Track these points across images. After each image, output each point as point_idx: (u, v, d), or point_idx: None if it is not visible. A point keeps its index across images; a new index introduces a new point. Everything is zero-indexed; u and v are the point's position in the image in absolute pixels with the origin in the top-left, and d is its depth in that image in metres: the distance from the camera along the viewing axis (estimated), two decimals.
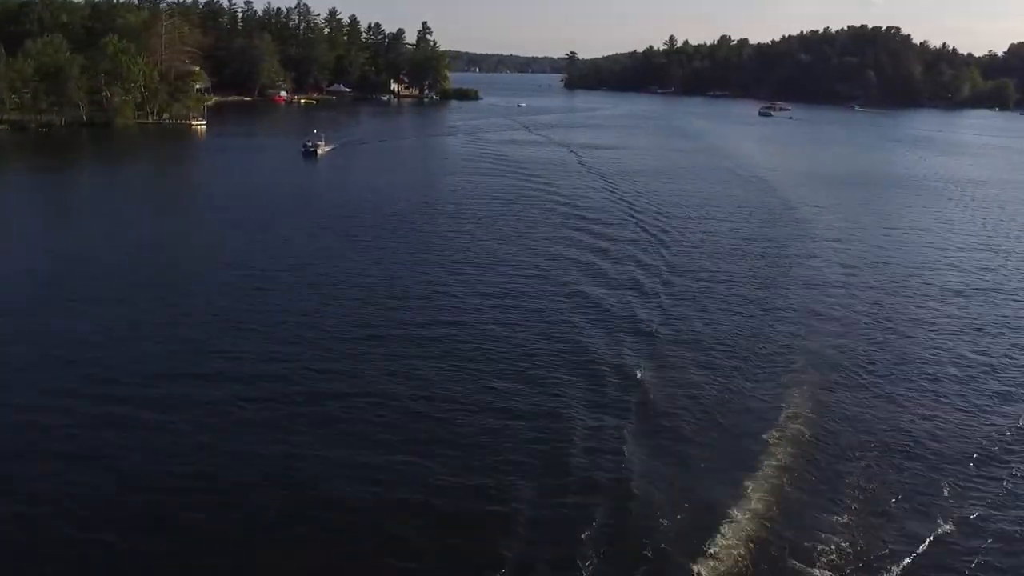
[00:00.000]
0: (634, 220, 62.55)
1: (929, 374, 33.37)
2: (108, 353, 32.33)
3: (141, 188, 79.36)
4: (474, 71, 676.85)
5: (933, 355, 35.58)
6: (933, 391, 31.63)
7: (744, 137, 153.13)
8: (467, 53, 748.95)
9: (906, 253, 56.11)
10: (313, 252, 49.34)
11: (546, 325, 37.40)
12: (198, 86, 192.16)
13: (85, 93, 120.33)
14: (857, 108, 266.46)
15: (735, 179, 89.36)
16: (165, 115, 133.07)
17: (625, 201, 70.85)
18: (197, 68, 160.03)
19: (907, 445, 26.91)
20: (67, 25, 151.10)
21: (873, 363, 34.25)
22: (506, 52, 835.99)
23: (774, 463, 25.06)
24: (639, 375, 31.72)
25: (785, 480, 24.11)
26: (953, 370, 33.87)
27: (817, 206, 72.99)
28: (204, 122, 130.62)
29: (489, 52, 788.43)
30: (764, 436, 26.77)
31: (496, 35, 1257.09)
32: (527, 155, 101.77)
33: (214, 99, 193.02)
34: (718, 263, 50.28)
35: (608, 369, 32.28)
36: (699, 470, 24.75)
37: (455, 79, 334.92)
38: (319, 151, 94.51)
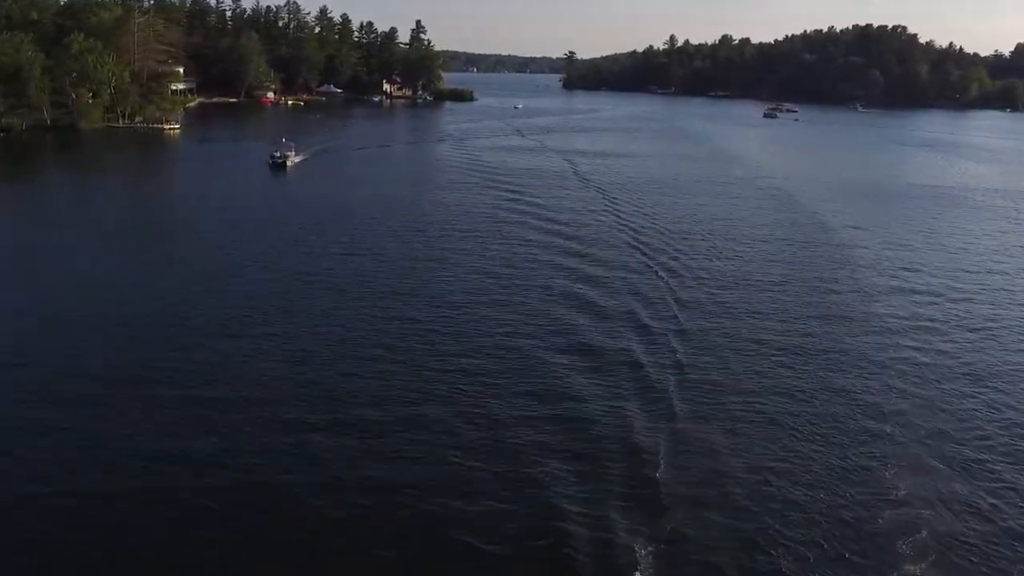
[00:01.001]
0: (638, 249, 52.99)
1: None
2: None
3: (72, 208, 65.87)
4: (472, 71, 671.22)
5: None
6: None
7: (752, 141, 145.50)
8: (465, 53, 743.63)
9: (985, 285, 47.93)
10: (258, 299, 40.73)
11: (539, 396, 29.75)
12: (181, 86, 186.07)
13: (48, 95, 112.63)
14: (859, 108, 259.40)
15: (752, 191, 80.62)
16: (138, 118, 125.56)
17: (627, 224, 61.22)
18: (173, 68, 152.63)
19: None
20: (37, 23, 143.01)
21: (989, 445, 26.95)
22: (504, 52, 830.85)
23: None
24: (658, 471, 24.27)
25: None
26: None
27: (856, 227, 63.88)
28: (177, 126, 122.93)
29: (487, 52, 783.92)
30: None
31: (494, 35, 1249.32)
32: (518, 165, 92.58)
33: (197, 100, 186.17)
34: (747, 303, 42.08)
35: (619, 458, 24.97)
36: None
37: (453, 79, 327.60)
38: (288, 162, 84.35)
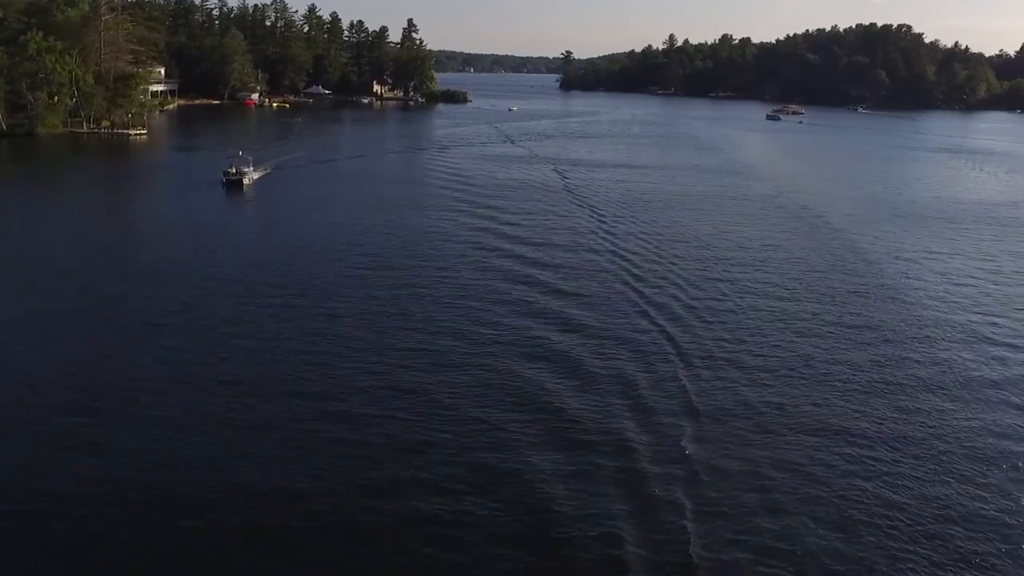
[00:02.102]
0: (641, 300, 41.78)
1: None
2: None
3: None
4: (469, 71, 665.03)
5: None
6: None
7: (763, 147, 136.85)
8: (462, 53, 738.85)
9: None
10: (177, 364, 32.84)
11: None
12: (161, 88, 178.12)
13: (3, 98, 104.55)
14: (860, 110, 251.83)
15: (774, 211, 70.62)
16: (105, 123, 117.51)
17: (626, 261, 50.16)
18: (150, 69, 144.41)
19: None
20: (2, 21, 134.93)
21: None
22: (501, 52, 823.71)
23: None
24: None
25: None
26: None
27: (904, 257, 54.56)
28: (144, 132, 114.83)
29: (484, 52, 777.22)
30: None
31: (491, 35, 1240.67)
32: (505, 179, 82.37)
33: (177, 103, 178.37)
34: (795, 379, 32.45)
35: None
36: None
37: (448, 79, 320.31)
38: (245, 180, 73.12)
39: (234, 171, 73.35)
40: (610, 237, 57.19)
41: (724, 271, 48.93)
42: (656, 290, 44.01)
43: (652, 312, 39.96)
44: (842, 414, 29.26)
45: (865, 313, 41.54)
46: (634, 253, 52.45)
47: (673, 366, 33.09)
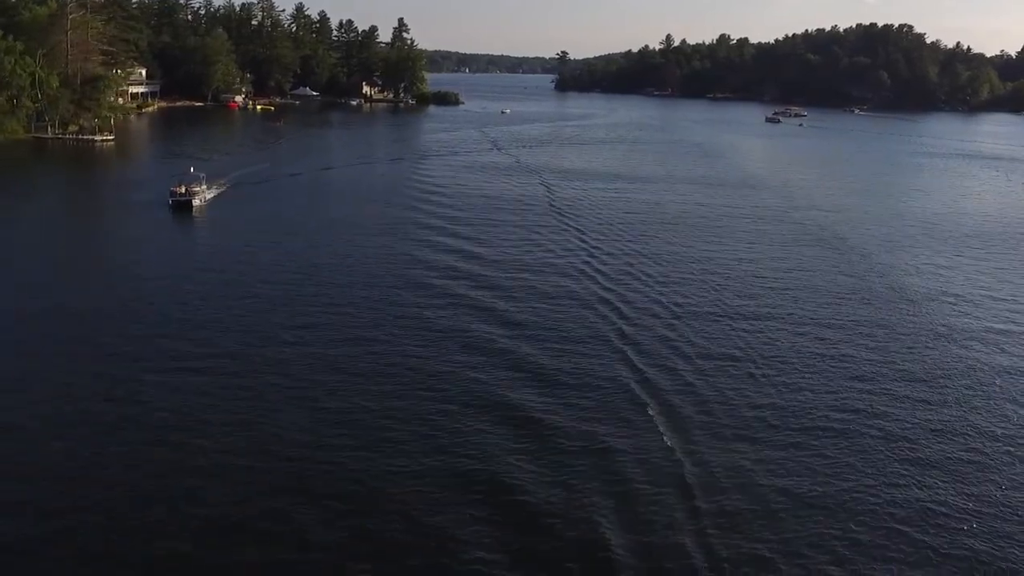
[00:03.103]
0: (636, 361, 33.83)
1: None
2: None
3: None
4: (464, 71, 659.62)
5: None
6: None
7: (771, 154, 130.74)
8: (457, 53, 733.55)
9: None
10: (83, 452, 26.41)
11: None
12: (141, 90, 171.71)
13: None
14: (858, 112, 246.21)
15: (794, 233, 62.16)
16: (72, 128, 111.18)
17: (620, 305, 41.41)
18: (121, 71, 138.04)
19: None
20: None
21: None
22: (497, 52, 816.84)
23: None
24: None
25: None
26: None
27: (952, 292, 46.91)
28: (111, 137, 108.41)
29: (480, 52, 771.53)
30: None
31: (487, 35, 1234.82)
32: (484, 197, 72.71)
33: (158, 105, 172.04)
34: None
35: None
36: None
37: (443, 80, 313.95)
38: (195, 200, 63.82)
39: (183, 191, 63.95)
40: (600, 276, 47.32)
41: (746, 327, 39.07)
42: (656, 338, 37.15)
43: (652, 400, 29.99)
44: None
45: (911, 359, 35.25)
46: (629, 302, 41.96)
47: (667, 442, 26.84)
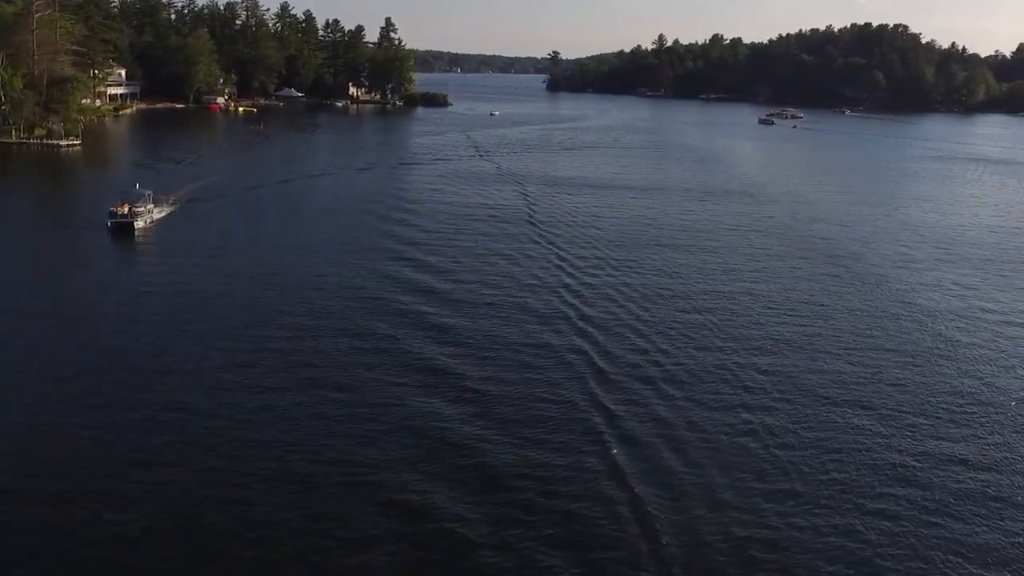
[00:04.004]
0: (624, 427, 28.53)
1: None
2: None
3: None
4: (456, 71, 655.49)
5: None
6: None
7: (770, 159, 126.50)
8: (449, 53, 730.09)
9: None
10: None
11: None
12: (121, 91, 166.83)
13: None
14: (848, 112, 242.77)
15: (799, 248, 57.15)
16: (40, 132, 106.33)
17: (602, 356, 34.97)
18: (99, 72, 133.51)
19: None
20: None
21: None
22: (489, 52, 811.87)
23: None
24: None
25: None
26: None
27: (993, 325, 42.00)
28: (78, 142, 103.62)
29: (472, 52, 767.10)
30: None
31: (479, 35, 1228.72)
32: (459, 216, 65.39)
33: (136, 107, 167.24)
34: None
35: None
36: None
37: (434, 80, 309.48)
38: (138, 223, 55.74)
39: (125, 211, 55.74)
40: (578, 313, 40.34)
41: (736, 354, 35.47)
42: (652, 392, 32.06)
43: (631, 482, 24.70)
44: None
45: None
46: (611, 355, 35.16)
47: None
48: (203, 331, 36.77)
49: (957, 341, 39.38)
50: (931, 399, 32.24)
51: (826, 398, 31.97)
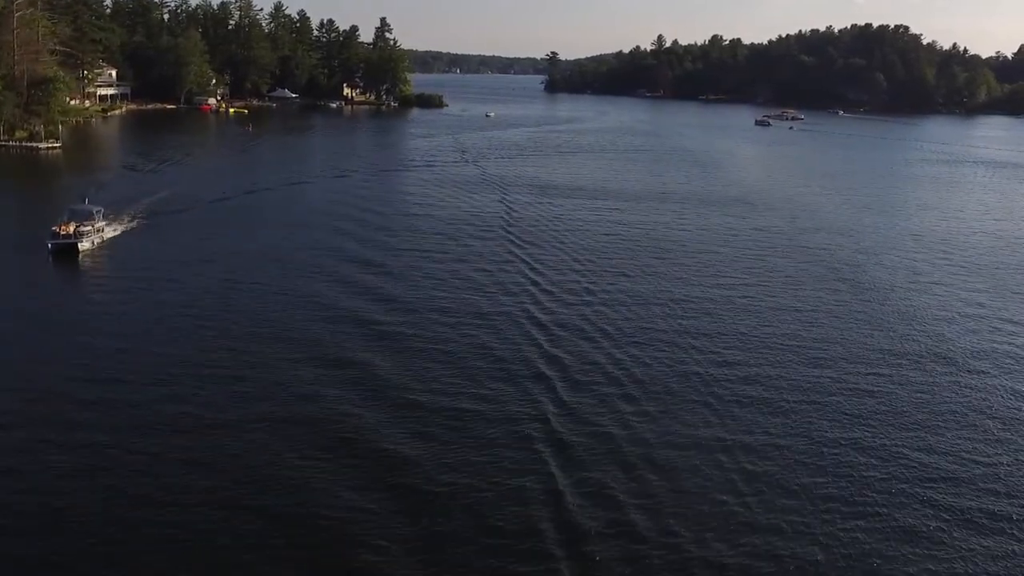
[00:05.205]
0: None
1: None
2: None
3: None
4: (455, 72, 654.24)
5: None
6: None
7: (769, 163, 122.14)
8: (448, 53, 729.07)
9: None
10: None
11: None
12: (112, 91, 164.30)
13: None
14: (841, 113, 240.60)
15: (803, 262, 53.91)
16: (21, 134, 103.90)
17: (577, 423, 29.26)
18: (88, 72, 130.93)
19: None
20: None
21: None
22: (488, 53, 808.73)
23: None
24: None
25: None
26: None
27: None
28: (58, 145, 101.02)
29: (471, 53, 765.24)
30: None
31: (478, 35, 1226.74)
32: (432, 226, 61.43)
33: (126, 108, 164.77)
34: None
35: None
36: None
37: (434, 80, 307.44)
38: (83, 243, 49.85)
39: (69, 230, 49.77)
40: (553, 362, 34.41)
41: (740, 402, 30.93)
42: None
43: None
44: None
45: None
46: (596, 373, 32.76)
47: None
48: (132, 370, 31.93)
49: (962, 348, 37.02)
50: (941, 410, 29.64)
51: (837, 410, 29.65)
